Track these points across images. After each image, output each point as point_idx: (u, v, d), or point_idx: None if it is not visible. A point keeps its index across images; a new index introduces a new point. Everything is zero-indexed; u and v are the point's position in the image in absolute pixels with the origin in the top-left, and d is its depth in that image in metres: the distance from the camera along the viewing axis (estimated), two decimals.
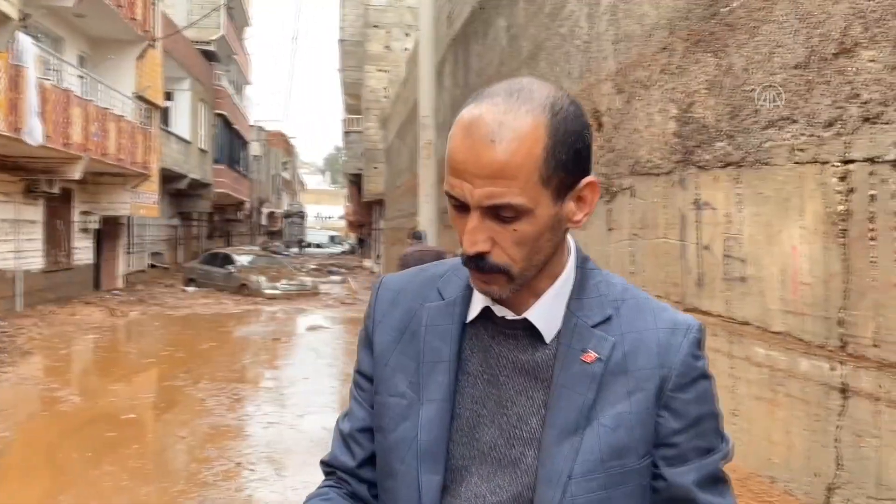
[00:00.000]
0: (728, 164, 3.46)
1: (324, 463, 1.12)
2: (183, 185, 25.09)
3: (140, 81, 18.62)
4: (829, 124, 2.74)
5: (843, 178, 2.67)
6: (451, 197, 0.89)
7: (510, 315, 0.96)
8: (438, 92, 12.08)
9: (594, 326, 0.94)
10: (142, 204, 19.53)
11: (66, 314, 14.30)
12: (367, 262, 33.90)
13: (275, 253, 30.22)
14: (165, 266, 24.89)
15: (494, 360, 0.97)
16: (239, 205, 37.60)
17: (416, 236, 9.94)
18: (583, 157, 0.90)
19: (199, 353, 10.80)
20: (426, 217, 10.91)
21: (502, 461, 0.94)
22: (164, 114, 22.69)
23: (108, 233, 19.09)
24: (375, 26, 28.64)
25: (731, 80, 3.43)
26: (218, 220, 35.45)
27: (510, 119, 0.85)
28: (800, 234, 2.92)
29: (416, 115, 11.44)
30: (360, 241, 47.59)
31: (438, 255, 9.60)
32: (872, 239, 2.51)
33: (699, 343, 0.96)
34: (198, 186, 27.16)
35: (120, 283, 19.87)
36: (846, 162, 2.65)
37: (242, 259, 21.21)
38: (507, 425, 0.95)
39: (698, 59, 3.76)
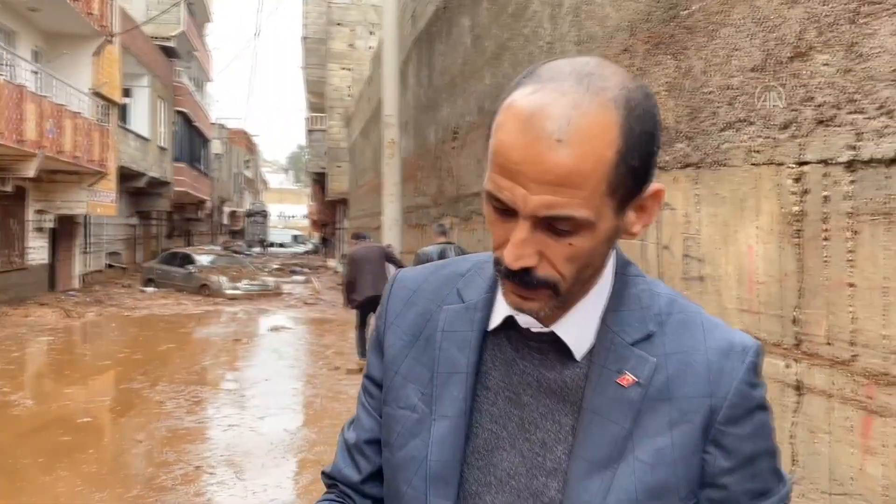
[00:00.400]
0: (687, 165, 3.51)
1: (325, 475, 1.01)
2: (141, 183, 24.64)
3: (97, 77, 18.22)
4: (785, 126, 2.79)
5: (797, 180, 2.72)
6: (493, 198, 0.75)
7: (536, 326, 0.84)
8: (402, 91, 12.05)
9: (633, 344, 0.81)
10: (99, 203, 19.12)
11: (20, 315, 13.94)
12: (331, 262, 33.67)
13: (236, 252, 29.85)
14: (123, 266, 24.41)
15: (518, 375, 0.85)
16: (199, 203, 37.05)
17: (359, 237, 9.99)
18: (654, 162, 0.77)
19: (157, 354, 10.60)
20: (390, 216, 10.87)
21: (522, 492, 0.82)
22: (122, 111, 22.25)
23: (63, 232, 18.65)
24: (339, 24, 28.47)
25: (691, 82, 3.47)
26: (178, 219, 34.89)
27: (580, 115, 0.70)
28: (756, 235, 2.96)
29: (380, 114, 11.40)
30: (324, 241, 47.28)
31: (384, 251, 9.61)
32: (825, 239, 2.56)
33: (756, 368, 0.82)
34: (157, 185, 26.69)
35: (76, 284, 19.43)
36: (801, 164, 2.70)
37: (203, 259, 20.90)
38: (529, 452, 0.83)
39: (659, 62, 3.80)
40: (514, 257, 0.74)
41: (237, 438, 6.35)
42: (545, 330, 0.83)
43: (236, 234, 56.74)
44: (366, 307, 9.16)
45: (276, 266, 30.95)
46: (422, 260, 7.69)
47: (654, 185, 0.78)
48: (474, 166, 8.46)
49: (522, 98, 0.73)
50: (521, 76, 0.78)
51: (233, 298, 18.39)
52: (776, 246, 2.83)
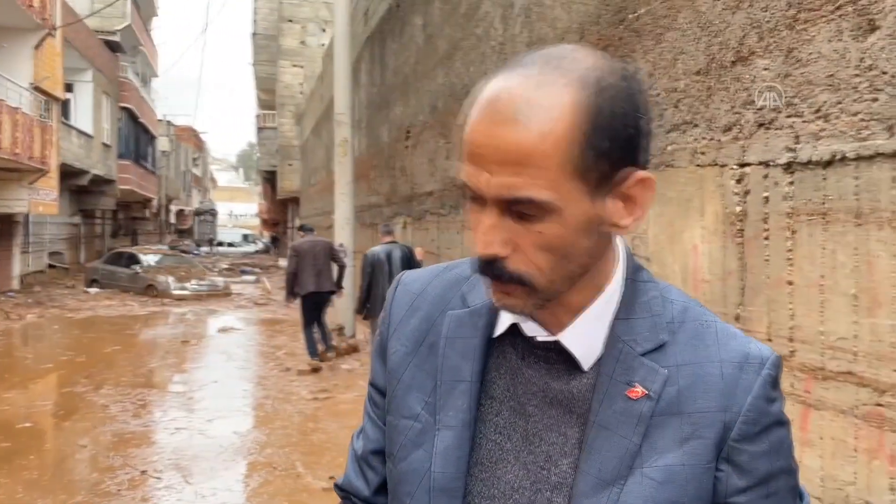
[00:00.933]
0: None
1: (337, 486, 0.97)
2: (85, 181, 23.95)
3: (38, 72, 17.63)
4: (728, 129, 2.87)
5: (739, 181, 2.80)
6: (466, 188, 0.74)
7: (542, 335, 0.80)
8: (355, 89, 11.98)
9: (643, 355, 0.77)
10: (40, 201, 18.52)
11: None
12: (283, 262, 33.26)
13: (184, 252, 29.25)
14: (66, 266, 23.70)
15: (523, 385, 0.81)
16: (146, 202, 36.21)
17: (304, 228, 9.88)
18: (634, 146, 0.73)
19: (101, 357, 10.32)
20: (342, 215, 10.81)
21: None
22: (65, 106, 21.59)
23: (1, 231, 18.01)
24: (290, 21, 28.15)
25: None
26: (123, 218, 34.05)
27: (542, 95, 0.68)
28: (700, 234, 3.04)
29: (332, 113, 11.32)
30: (274, 240, 46.71)
31: (330, 246, 9.58)
32: (766, 238, 2.65)
33: (775, 382, 0.78)
34: (101, 183, 25.98)
35: (15, 285, 18.77)
36: (743, 165, 2.78)
37: (149, 258, 20.44)
38: (533, 465, 0.80)
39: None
40: (482, 244, 0.72)
41: (185, 442, 6.23)
42: (551, 339, 0.80)
43: (184, 233, 55.62)
44: (309, 306, 9.09)
45: (225, 266, 30.43)
46: (370, 261, 7.68)
47: (639, 173, 0.74)
48: (427, 166, 8.47)
49: (490, 84, 0.72)
50: (499, 68, 0.76)
51: (180, 299, 18.02)
52: (720, 245, 2.91)
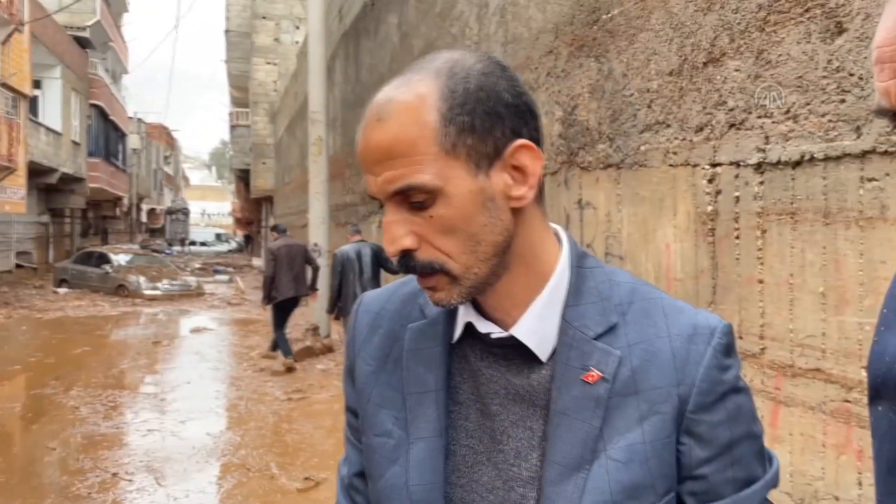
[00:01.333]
0: (609, 166, 3.60)
1: None
2: (53, 179, 23.54)
3: (5, 68, 17.28)
4: (700, 129, 2.91)
5: (711, 181, 2.83)
6: (371, 198, 0.79)
7: (496, 332, 0.81)
8: (329, 87, 11.92)
9: (596, 339, 0.79)
10: (7, 199, 18.17)
11: None
12: (257, 261, 32.99)
13: (156, 251, 28.90)
14: (34, 266, 23.28)
15: (486, 385, 0.82)
16: (117, 201, 35.71)
17: (278, 229, 9.85)
18: (503, 116, 0.75)
19: (71, 358, 10.16)
20: (317, 214, 10.75)
21: None
22: (33, 103, 21.19)
23: None
24: (264, 18, 27.92)
25: (612, 84, 3.57)
26: (93, 217, 33.54)
27: (399, 92, 0.75)
28: (673, 233, 3.07)
29: (307, 111, 11.25)
30: (247, 239, 46.33)
31: (306, 250, 9.59)
32: (737, 237, 2.68)
33: (727, 349, 0.79)
34: (70, 181, 25.55)
35: None
36: (714, 165, 2.81)
37: (120, 258, 20.16)
38: (503, 463, 0.81)
39: (581, 64, 3.89)
40: (389, 241, 0.76)
41: (157, 444, 6.16)
42: (505, 335, 0.81)
43: (156, 232, 54.96)
44: (283, 308, 9.17)
45: (198, 265, 30.12)
46: (339, 260, 7.77)
47: (517, 141, 0.76)
48: None
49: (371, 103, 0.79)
50: None
51: (152, 299, 17.81)
52: (692, 244, 2.94)
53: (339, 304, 7.83)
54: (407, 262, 0.76)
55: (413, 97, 0.74)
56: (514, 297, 0.80)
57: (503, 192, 0.76)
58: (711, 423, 0.76)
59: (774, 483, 0.81)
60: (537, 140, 0.79)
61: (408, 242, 0.75)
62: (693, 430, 0.76)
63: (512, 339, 0.80)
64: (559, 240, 0.85)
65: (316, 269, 9.80)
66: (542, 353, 0.80)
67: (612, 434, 0.76)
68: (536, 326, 0.80)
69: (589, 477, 0.75)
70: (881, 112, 0.59)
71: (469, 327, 0.83)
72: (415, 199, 0.74)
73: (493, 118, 0.75)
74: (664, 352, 0.78)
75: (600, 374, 0.77)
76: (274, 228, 10.27)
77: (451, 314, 0.85)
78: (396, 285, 0.95)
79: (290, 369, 8.94)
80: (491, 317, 0.82)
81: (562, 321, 0.80)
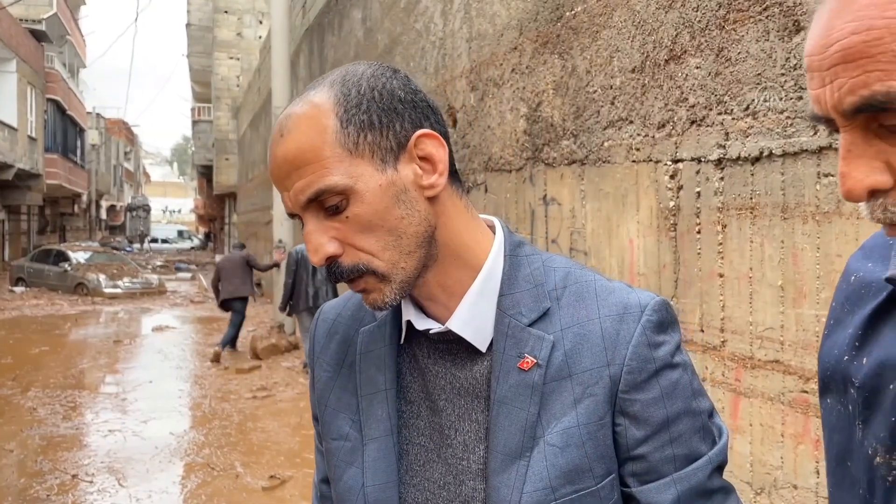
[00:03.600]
0: (573, 162, 3.63)
1: None
2: (9, 175, 22.92)
3: None
4: (662, 126, 2.94)
5: (673, 176, 2.87)
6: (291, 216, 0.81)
7: (435, 327, 0.82)
8: (293, 82, 11.80)
9: (531, 325, 0.79)
10: None
11: None
12: (220, 258, 32.58)
13: (116, 249, 28.36)
14: None
15: (433, 382, 0.83)
16: (75, 197, 34.94)
17: (235, 246, 10.80)
18: (399, 112, 0.77)
19: (28, 358, 9.93)
20: (281, 211, 10.64)
21: (454, 501, 0.80)
22: None
23: None
24: (226, 12, 27.51)
25: (576, 81, 3.59)
26: (51, 214, 32.77)
27: (297, 108, 0.77)
28: (636, 229, 3.11)
29: (270, 106, 11.12)
30: (207, 236, 45.76)
31: (243, 257, 10.30)
32: (698, 232, 2.72)
33: (659, 325, 0.78)
34: (26, 177, 24.92)
35: None
36: (676, 161, 2.85)
37: (79, 256, 19.74)
38: (453, 458, 0.81)
39: (545, 60, 3.91)
40: (313, 251, 0.76)
41: (119, 444, 6.05)
42: (443, 329, 0.81)
43: (116, 229, 53.93)
44: (226, 306, 10.26)
45: (159, 263, 29.64)
46: (293, 258, 8.04)
47: (419, 131, 0.78)
48: None
49: None
50: None
51: (112, 297, 17.50)
52: (654, 239, 2.98)
53: (291, 302, 8.11)
54: (334, 269, 0.77)
55: (310, 108, 0.76)
56: (448, 290, 0.81)
57: (414, 183, 0.77)
58: (644, 401, 0.76)
59: (721, 459, 0.79)
60: (442, 133, 0.80)
61: (331, 249, 0.76)
62: (627, 409, 0.76)
63: (451, 332, 0.81)
64: (493, 231, 0.85)
65: (261, 270, 11.12)
66: (481, 343, 0.80)
67: (550, 419, 0.76)
68: (471, 317, 0.80)
69: (530, 464, 0.75)
70: (815, 119, 0.62)
71: (409, 325, 0.84)
72: (329, 204, 0.75)
73: (389, 114, 0.77)
74: (595, 333, 0.78)
75: (534, 360, 0.77)
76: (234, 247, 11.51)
77: (398, 315, 0.86)
78: (352, 292, 0.96)
79: (216, 358, 9.57)
80: (430, 313, 0.83)
81: (497, 311, 0.80)
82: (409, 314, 0.83)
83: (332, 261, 0.76)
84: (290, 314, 8.46)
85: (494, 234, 0.85)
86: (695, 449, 0.77)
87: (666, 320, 0.79)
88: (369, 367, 0.86)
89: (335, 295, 8.44)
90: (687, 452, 0.77)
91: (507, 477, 0.76)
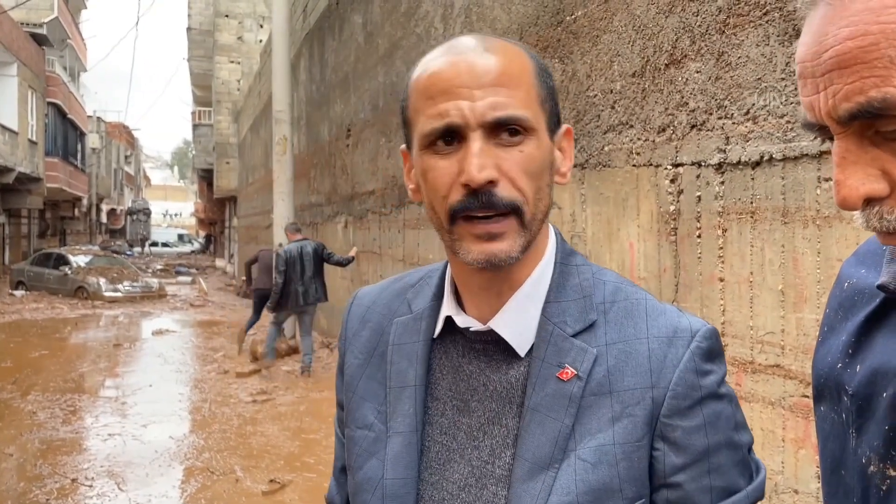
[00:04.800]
0: (574, 166, 3.63)
1: (326, 500, 1.01)
2: (9, 179, 22.91)
3: None
4: (662, 130, 2.94)
5: (673, 181, 2.87)
6: (435, 134, 0.74)
7: (475, 325, 0.80)
8: (293, 86, 11.81)
9: (574, 336, 0.77)
10: None
11: None
12: (220, 262, 32.59)
13: (116, 253, 28.37)
14: None
15: (465, 381, 0.81)
16: (75, 201, 34.94)
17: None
18: (556, 105, 0.82)
19: (28, 362, 9.92)
20: (282, 215, 10.64)
21: None
22: None
23: None
24: (227, 16, 27.55)
25: (576, 85, 3.60)
26: (51, 218, 32.76)
27: (495, 40, 0.78)
28: (636, 232, 3.11)
29: (271, 110, 11.13)
30: (208, 240, 45.78)
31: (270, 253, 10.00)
32: (699, 236, 2.72)
33: (708, 353, 0.76)
34: (27, 181, 24.92)
35: None
36: (676, 165, 2.85)
37: (79, 259, 19.74)
38: (478, 461, 0.79)
39: (546, 64, 3.91)
40: (477, 168, 0.71)
41: (118, 448, 6.04)
42: (484, 328, 0.80)
43: (116, 233, 53.97)
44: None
45: (160, 267, 29.64)
46: (282, 258, 8.32)
47: (565, 125, 0.83)
48: (368, 164, 8.42)
49: (435, 50, 0.79)
50: (417, 63, 0.82)
51: (112, 301, 17.48)
52: (655, 243, 2.98)
53: (280, 301, 8.43)
54: (488, 196, 0.72)
55: (512, 48, 0.78)
56: (498, 287, 0.80)
57: (556, 163, 0.81)
58: (686, 428, 0.74)
59: (758, 495, 0.77)
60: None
61: (494, 174, 0.72)
62: (667, 434, 0.74)
63: (491, 333, 0.80)
64: (548, 233, 0.85)
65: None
66: (521, 347, 0.79)
67: (584, 434, 0.75)
68: (515, 320, 0.79)
69: (557, 476, 0.74)
70: (808, 126, 0.61)
71: (453, 323, 0.82)
72: (515, 126, 0.73)
73: (554, 96, 0.81)
74: (641, 353, 0.76)
75: (574, 371, 0.76)
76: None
77: (435, 310, 0.85)
78: (390, 281, 0.96)
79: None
80: (472, 310, 0.82)
81: (541, 317, 0.79)
82: (450, 309, 0.83)
83: (486, 188, 0.72)
84: (274, 310, 8.68)
85: (547, 239, 0.84)
86: (733, 482, 0.75)
87: (715, 349, 0.77)
88: (401, 360, 0.85)
89: (324, 293, 8.71)
90: (724, 485, 0.75)
91: (531, 486, 0.74)
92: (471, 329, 0.81)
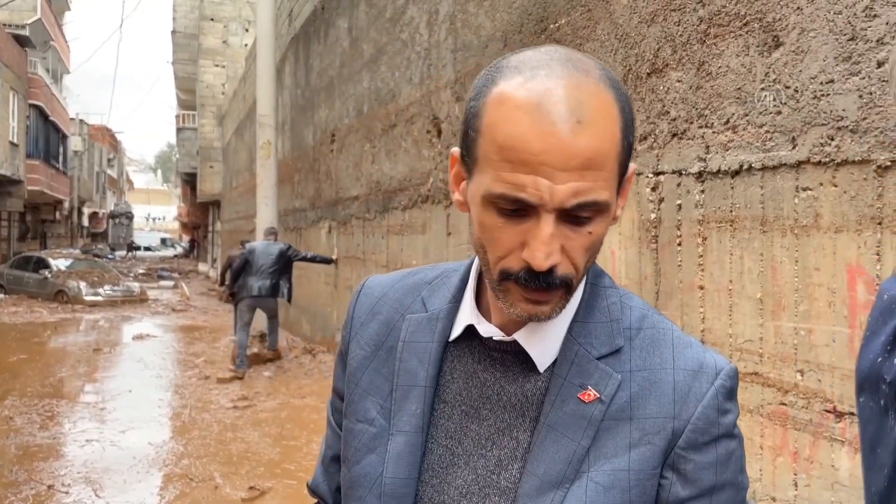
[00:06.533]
0: None
1: (308, 486, 0.99)
2: None
3: None
4: (644, 138, 2.96)
5: (654, 189, 2.88)
6: (505, 200, 0.69)
7: (498, 335, 0.79)
8: (278, 91, 11.78)
9: (599, 358, 0.77)
10: None
11: None
12: (203, 266, 32.38)
13: (98, 256, 28.11)
14: None
15: (478, 388, 0.81)
16: (57, 204, 34.60)
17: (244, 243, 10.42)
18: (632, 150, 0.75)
19: (6, 366, 9.79)
20: (265, 219, 10.60)
21: None
22: None
23: None
24: (212, 19, 27.47)
25: None
26: (32, 221, 32.43)
27: (588, 95, 0.67)
28: (618, 240, 3.12)
29: (255, 114, 11.09)
30: (192, 244, 45.50)
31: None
32: (679, 244, 2.74)
33: (729, 393, 0.77)
34: (8, 183, 24.67)
35: None
36: (657, 174, 2.87)
37: (60, 263, 19.51)
38: (483, 469, 0.79)
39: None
40: (545, 255, 0.68)
41: (96, 454, 5.97)
42: (508, 339, 0.79)
43: (98, 236, 53.50)
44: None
45: (141, 271, 29.40)
46: (244, 253, 8.92)
47: (633, 165, 0.77)
48: (353, 170, 8.41)
49: (518, 88, 0.68)
50: (491, 72, 0.73)
51: (93, 305, 17.30)
52: (636, 251, 2.99)
53: (234, 291, 8.97)
54: (545, 277, 0.70)
55: (604, 105, 0.68)
56: None
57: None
58: (699, 463, 0.74)
59: None
60: None
61: (559, 259, 0.70)
62: (679, 466, 0.74)
63: (513, 344, 0.79)
64: None
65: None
66: (542, 363, 0.78)
67: (599, 456, 0.74)
68: (541, 335, 0.78)
69: (567, 496, 0.73)
70: None
71: (471, 328, 0.82)
72: (585, 214, 0.69)
73: (632, 149, 0.74)
74: (666, 383, 0.76)
75: (597, 394, 0.75)
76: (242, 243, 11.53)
77: (452, 312, 0.84)
78: (402, 274, 0.93)
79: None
80: (494, 319, 0.81)
81: (567, 335, 0.78)
82: (472, 317, 0.81)
83: (552, 268, 0.70)
84: (233, 301, 9.19)
85: None
86: None
87: (735, 389, 0.78)
88: (411, 358, 0.84)
89: (287, 292, 9.15)
90: None
91: (538, 502, 0.74)
92: (494, 337, 0.80)
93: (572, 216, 0.69)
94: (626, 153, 0.72)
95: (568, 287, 0.72)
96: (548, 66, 0.69)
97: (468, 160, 0.74)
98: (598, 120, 0.67)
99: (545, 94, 0.67)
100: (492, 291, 0.77)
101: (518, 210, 0.69)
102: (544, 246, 0.68)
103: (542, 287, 0.71)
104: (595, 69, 0.71)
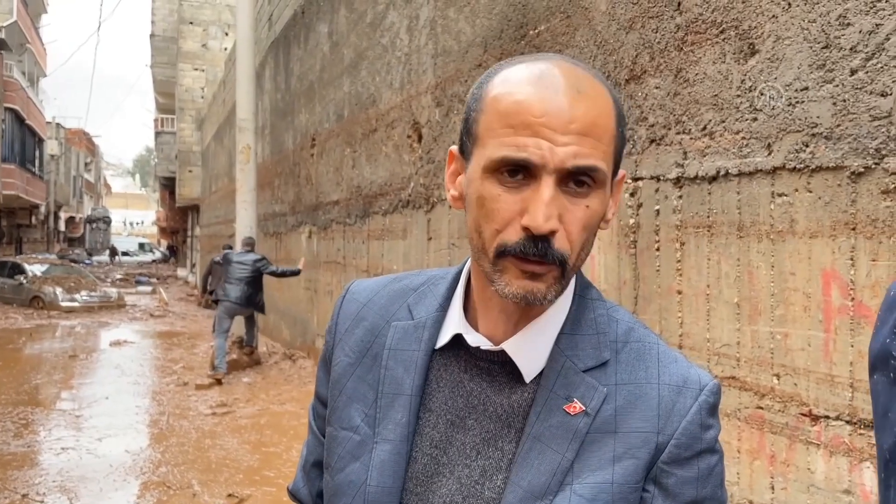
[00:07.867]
0: None
1: (289, 491, 0.98)
2: None
3: None
4: None
5: (633, 194, 2.90)
6: (506, 164, 0.71)
7: (486, 344, 0.80)
8: (258, 95, 11.73)
9: (586, 371, 0.78)
10: None
11: None
12: (182, 272, 32.10)
13: (74, 262, 27.77)
14: None
15: (464, 398, 0.81)
16: (32, 209, 34.15)
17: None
18: (624, 147, 0.78)
19: None
20: (244, 224, 10.53)
21: None
22: None
23: None
24: (191, 23, 27.29)
25: None
26: (7, 226, 31.97)
27: (587, 75, 0.73)
28: (597, 245, 3.14)
29: (235, 118, 11.03)
30: (170, 249, 45.11)
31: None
32: (657, 249, 2.76)
33: (712, 409, 0.78)
34: None
35: None
36: (636, 179, 2.89)
37: (35, 268, 19.25)
38: (468, 479, 0.79)
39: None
40: (544, 217, 0.69)
41: (72, 462, 5.88)
42: (495, 349, 0.79)
43: (75, 241, 52.86)
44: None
45: (119, 276, 29.08)
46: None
47: (622, 171, 0.80)
48: (333, 174, 8.38)
49: (521, 69, 0.73)
50: (493, 69, 0.78)
51: (69, 311, 17.08)
52: (615, 255, 3.01)
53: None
54: (545, 246, 0.71)
55: (602, 88, 0.74)
56: (517, 312, 0.79)
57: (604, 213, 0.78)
58: (681, 477, 0.75)
59: None
60: None
61: (557, 225, 0.70)
62: (661, 480, 0.75)
63: (500, 354, 0.79)
64: None
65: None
66: (528, 374, 0.79)
67: (583, 469, 0.75)
68: (528, 346, 0.79)
69: None
70: None
71: (458, 336, 0.82)
72: (586, 180, 0.71)
73: (625, 144, 0.78)
74: (651, 397, 0.77)
75: (583, 407, 0.76)
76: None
77: (439, 320, 0.84)
78: (387, 280, 0.93)
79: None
80: (482, 329, 0.81)
81: (554, 347, 0.79)
82: (459, 326, 0.82)
83: (545, 235, 0.70)
84: (214, 301, 9.32)
85: None
86: None
87: (717, 405, 0.79)
88: (397, 367, 0.83)
89: (259, 303, 9.29)
90: None
91: None
92: (482, 348, 0.80)
93: (568, 184, 0.71)
94: (620, 144, 0.75)
95: (563, 268, 0.72)
96: (547, 58, 0.75)
97: (468, 143, 0.76)
98: (596, 96, 0.72)
99: (548, 69, 0.72)
100: (487, 280, 0.76)
101: (518, 177, 0.71)
102: (545, 207, 0.69)
103: (540, 256, 0.71)
104: (590, 69, 0.77)
